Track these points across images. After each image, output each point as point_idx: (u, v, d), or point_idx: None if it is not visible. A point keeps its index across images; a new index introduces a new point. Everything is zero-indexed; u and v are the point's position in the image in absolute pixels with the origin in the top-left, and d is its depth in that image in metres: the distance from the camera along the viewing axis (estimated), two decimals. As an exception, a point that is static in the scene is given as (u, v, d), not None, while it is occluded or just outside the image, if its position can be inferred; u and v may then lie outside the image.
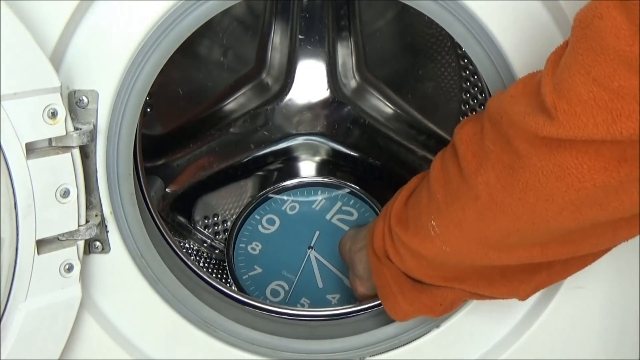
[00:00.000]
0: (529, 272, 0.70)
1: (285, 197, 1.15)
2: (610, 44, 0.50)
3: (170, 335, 0.82)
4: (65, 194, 0.68)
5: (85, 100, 0.69)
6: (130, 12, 0.68)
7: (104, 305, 0.79)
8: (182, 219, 1.17)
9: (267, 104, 1.20)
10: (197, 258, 1.15)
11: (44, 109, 0.64)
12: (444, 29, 0.72)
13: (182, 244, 1.13)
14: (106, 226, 0.75)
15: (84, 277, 0.75)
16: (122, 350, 0.80)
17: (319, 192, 1.16)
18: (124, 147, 0.73)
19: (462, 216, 0.65)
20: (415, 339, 0.84)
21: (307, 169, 1.22)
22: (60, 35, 0.67)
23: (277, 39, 1.17)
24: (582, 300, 0.81)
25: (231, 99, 1.18)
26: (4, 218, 0.65)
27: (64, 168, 0.68)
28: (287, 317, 0.91)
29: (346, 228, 1.11)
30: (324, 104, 1.21)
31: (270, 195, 1.15)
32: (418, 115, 1.18)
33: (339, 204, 1.15)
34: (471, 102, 1.10)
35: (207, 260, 1.15)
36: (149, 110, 1.10)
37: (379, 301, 0.82)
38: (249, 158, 1.21)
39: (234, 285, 1.07)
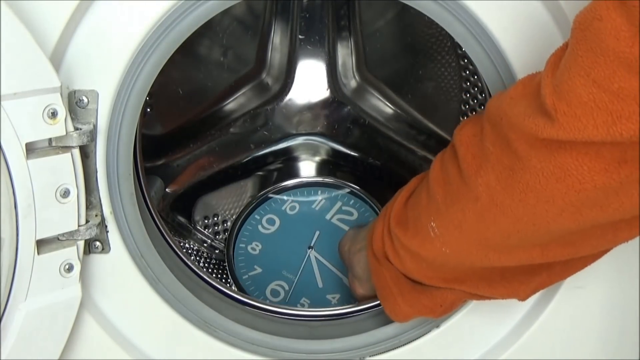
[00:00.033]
0: (528, 273, 0.70)
1: (285, 197, 1.15)
2: (610, 45, 0.50)
3: (170, 335, 0.82)
4: (65, 194, 0.68)
5: (85, 100, 0.69)
6: (130, 12, 0.68)
7: (104, 305, 0.79)
8: (182, 219, 1.17)
9: (267, 104, 1.20)
10: (197, 258, 1.15)
11: (44, 109, 0.64)
12: (444, 29, 0.72)
13: (182, 244, 1.13)
14: (106, 226, 0.75)
15: (84, 277, 0.75)
16: (122, 350, 0.80)
17: (319, 192, 1.16)
18: (124, 147, 0.73)
19: (462, 217, 0.65)
20: (415, 339, 0.84)
21: (307, 169, 1.22)
22: (60, 35, 0.67)
23: (277, 39, 1.17)
24: (582, 300, 0.81)
25: (231, 99, 1.18)
26: (4, 218, 0.65)
27: (64, 168, 0.68)
28: (287, 317, 0.91)
29: (346, 228, 1.11)
30: (324, 104, 1.21)
31: (270, 195, 1.15)
32: (418, 115, 1.18)
33: (338, 203, 1.15)
34: (471, 102, 1.10)
35: (207, 260, 1.15)
36: (149, 110, 1.10)
37: (379, 301, 0.82)
38: (249, 158, 1.21)
39: (234, 285, 1.07)
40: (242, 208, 1.16)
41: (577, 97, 0.52)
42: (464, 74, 1.10)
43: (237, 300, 0.90)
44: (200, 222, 1.18)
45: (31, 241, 0.67)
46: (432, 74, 1.14)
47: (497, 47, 0.71)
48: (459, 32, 0.72)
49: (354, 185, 1.16)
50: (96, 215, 0.73)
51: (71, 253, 0.71)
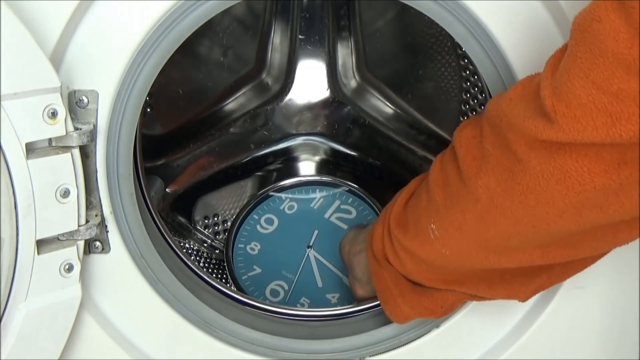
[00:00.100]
0: (528, 275, 0.70)
1: (283, 196, 1.15)
2: (609, 47, 0.50)
3: (170, 335, 0.82)
4: (65, 194, 0.68)
5: (85, 100, 0.69)
6: (130, 12, 0.68)
7: (104, 305, 0.79)
8: (182, 219, 1.17)
9: (267, 104, 1.20)
10: (197, 258, 1.15)
11: (44, 109, 0.64)
12: (444, 29, 0.72)
13: (182, 244, 1.13)
14: (106, 226, 0.75)
15: (84, 277, 0.75)
16: (122, 350, 0.80)
17: (317, 190, 1.16)
18: (124, 147, 0.73)
19: (462, 219, 0.65)
20: (415, 339, 0.84)
21: (307, 169, 1.22)
22: (60, 35, 0.67)
23: (277, 39, 1.17)
24: (582, 300, 0.81)
25: (231, 99, 1.18)
26: (4, 218, 0.65)
27: (64, 168, 0.68)
28: (287, 317, 0.91)
29: (345, 227, 1.11)
30: (324, 104, 1.21)
31: (268, 193, 1.15)
32: (418, 115, 1.18)
33: (337, 202, 1.15)
34: (471, 102, 1.10)
35: (207, 260, 1.15)
36: (149, 110, 1.10)
37: (379, 301, 0.82)
38: (249, 158, 1.21)
39: (233, 285, 1.07)
40: (240, 208, 1.16)
41: (576, 99, 0.52)
42: (464, 74, 1.10)
43: (237, 300, 0.90)
44: (200, 222, 1.18)
45: (31, 241, 0.67)
46: (432, 74, 1.14)
47: (497, 47, 0.71)
48: (459, 32, 0.72)
49: (352, 184, 1.16)
50: (96, 215, 0.73)
51: (71, 253, 0.71)
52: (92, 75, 0.69)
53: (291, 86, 1.19)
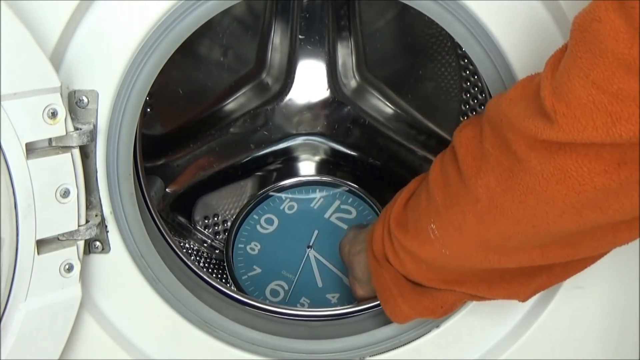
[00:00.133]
0: (528, 275, 0.70)
1: (283, 196, 1.15)
2: (609, 47, 0.50)
3: (170, 335, 0.82)
4: (65, 194, 0.68)
5: (85, 100, 0.69)
6: (130, 12, 0.68)
7: (104, 305, 0.79)
8: (182, 219, 1.17)
9: (267, 104, 1.20)
10: (197, 258, 1.15)
11: (44, 109, 0.64)
12: (444, 29, 0.72)
13: (182, 244, 1.13)
14: (106, 226, 0.75)
15: (84, 277, 0.75)
16: (122, 350, 0.80)
17: (317, 190, 1.16)
18: (124, 147, 0.73)
19: (462, 219, 0.65)
20: (415, 339, 0.84)
21: (307, 169, 1.22)
22: (60, 35, 0.67)
23: (277, 39, 1.17)
24: (582, 300, 0.81)
25: (231, 99, 1.18)
26: (4, 218, 0.65)
27: (64, 168, 0.68)
28: (287, 317, 0.91)
29: (345, 227, 1.11)
30: (324, 104, 1.21)
31: (268, 193, 1.15)
32: (418, 115, 1.18)
33: (337, 202, 1.15)
34: (471, 102, 1.10)
35: (207, 260, 1.15)
36: (149, 110, 1.10)
37: (379, 301, 0.82)
38: (249, 158, 1.21)
39: (233, 285, 1.07)
40: (240, 208, 1.16)
41: (576, 99, 0.52)
42: (464, 74, 1.10)
43: (237, 300, 0.90)
44: (200, 222, 1.18)
45: (31, 241, 0.67)
46: (432, 74, 1.14)
47: (497, 47, 0.71)
48: (459, 32, 0.72)
49: (352, 184, 1.16)
50: (96, 215, 0.73)
51: (71, 253, 0.71)
52: (92, 75, 0.69)
53: (291, 86, 1.19)
